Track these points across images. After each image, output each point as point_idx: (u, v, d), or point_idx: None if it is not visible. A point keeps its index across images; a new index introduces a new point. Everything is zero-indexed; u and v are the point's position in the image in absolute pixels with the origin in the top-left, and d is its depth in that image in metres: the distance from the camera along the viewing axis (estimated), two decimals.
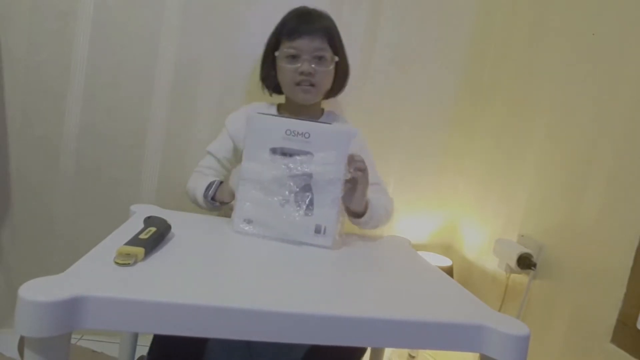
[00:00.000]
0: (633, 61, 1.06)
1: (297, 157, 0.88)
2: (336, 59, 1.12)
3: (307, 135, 0.88)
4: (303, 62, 1.08)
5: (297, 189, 0.88)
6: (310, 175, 0.88)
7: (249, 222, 0.89)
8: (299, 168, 0.88)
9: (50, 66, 1.44)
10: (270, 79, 1.21)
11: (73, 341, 1.51)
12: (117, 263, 0.64)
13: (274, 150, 0.89)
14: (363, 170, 0.95)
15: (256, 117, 0.91)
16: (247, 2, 1.51)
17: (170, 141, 1.53)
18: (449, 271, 1.52)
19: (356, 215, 1.02)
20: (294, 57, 1.09)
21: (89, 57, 1.45)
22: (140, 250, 0.66)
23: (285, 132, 0.88)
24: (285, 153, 0.88)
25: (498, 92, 1.59)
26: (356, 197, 0.97)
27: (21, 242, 1.51)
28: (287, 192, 0.88)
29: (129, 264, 0.64)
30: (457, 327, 0.62)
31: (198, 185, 1.10)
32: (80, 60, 1.45)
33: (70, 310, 0.52)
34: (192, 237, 0.84)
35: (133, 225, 0.84)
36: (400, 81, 1.62)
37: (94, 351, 1.47)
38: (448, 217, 1.72)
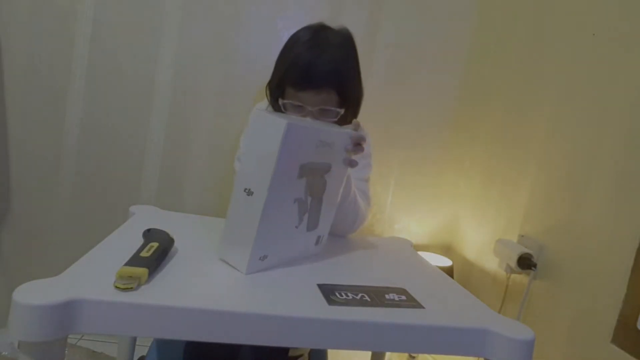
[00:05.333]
0: (633, 61, 1.05)
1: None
2: (341, 112, 1.02)
3: (332, 145, 0.76)
4: (307, 113, 0.99)
5: (313, 205, 0.78)
6: (325, 183, 0.79)
7: (263, 258, 0.72)
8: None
9: (50, 66, 1.44)
10: (278, 109, 1.11)
11: (73, 341, 1.51)
12: (118, 288, 0.55)
13: (302, 167, 0.71)
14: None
15: (294, 128, 0.65)
16: (247, 2, 1.50)
17: (170, 141, 1.53)
18: (449, 271, 1.52)
19: None
20: (298, 107, 1.00)
21: (89, 57, 1.45)
22: (143, 272, 0.58)
23: (317, 143, 0.72)
24: (313, 169, 0.74)
25: (498, 92, 1.58)
26: None
27: (21, 242, 1.51)
28: (303, 213, 0.76)
29: (131, 288, 0.56)
30: (460, 331, 0.62)
31: None
32: (80, 60, 1.45)
33: (66, 313, 0.51)
34: (196, 249, 0.78)
35: (132, 227, 0.84)
36: (400, 81, 1.61)
37: (94, 351, 1.47)
38: (448, 218, 1.72)
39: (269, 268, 0.73)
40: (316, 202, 0.79)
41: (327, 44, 1.00)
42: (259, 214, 0.67)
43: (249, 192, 0.68)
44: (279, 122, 0.64)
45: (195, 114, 1.52)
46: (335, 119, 1.02)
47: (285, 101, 1.01)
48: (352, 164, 0.84)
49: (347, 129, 0.85)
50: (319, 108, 0.99)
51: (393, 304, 0.65)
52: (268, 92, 1.09)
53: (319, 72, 0.97)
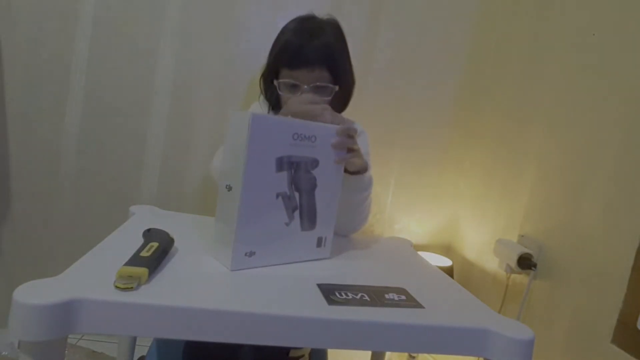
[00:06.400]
0: (633, 61, 1.05)
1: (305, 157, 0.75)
2: (336, 88, 1.04)
3: (313, 139, 0.76)
4: (302, 92, 1.02)
5: (303, 202, 0.77)
6: (315, 179, 0.78)
7: (251, 254, 0.72)
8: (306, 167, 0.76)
9: (50, 66, 1.44)
10: (272, 98, 1.15)
11: (73, 341, 1.51)
12: (118, 287, 0.55)
13: (280, 160, 0.73)
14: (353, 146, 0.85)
15: (259, 119, 0.68)
16: (247, 3, 1.50)
17: (170, 142, 1.53)
18: (449, 271, 1.52)
19: (356, 172, 0.92)
20: (293, 86, 1.03)
21: (89, 57, 1.45)
22: (143, 271, 0.58)
23: (293, 136, 0.73)
24: (293, 162, 0.74)
25: (498, 92, 1.58)
26: (352, 161, 0.87)
27: (21, 242, 1.51)
28: (292, 209, 0.76)
29: (131, 288, 0.56)
30: (460, 331, 0.62)
31: None
32: (81, 60, 1.45)
33: (66, 313, 0.51)
34: (196, 249, 0.78)
35: (132, 227, 0.84)
36: (400, 81, 1.61)
37: (94, 351, 1.47)
38: (448, 217, 1.72)
39: (260, 266, 0.74)
40: (307, 199, 0.78)
41: (316, 28, 1.05)
42: (237, 207, 0.69)
43: (229, 188, 0.71)
44: (245, 115, 0.68)
45: (195, 114, 1.53)
46: (330, 97, 1.04)
47: (280, 80, 1.04)
48: (341, 160, 0.82)
49: (331, 125, 0.83)
50: (314, 85, 1.01)
51: (393, 304, 0.65)
52: (262, 82, 1.13)
53: (312, 50, 1.01)
